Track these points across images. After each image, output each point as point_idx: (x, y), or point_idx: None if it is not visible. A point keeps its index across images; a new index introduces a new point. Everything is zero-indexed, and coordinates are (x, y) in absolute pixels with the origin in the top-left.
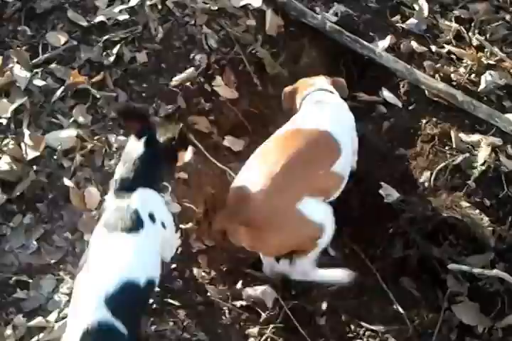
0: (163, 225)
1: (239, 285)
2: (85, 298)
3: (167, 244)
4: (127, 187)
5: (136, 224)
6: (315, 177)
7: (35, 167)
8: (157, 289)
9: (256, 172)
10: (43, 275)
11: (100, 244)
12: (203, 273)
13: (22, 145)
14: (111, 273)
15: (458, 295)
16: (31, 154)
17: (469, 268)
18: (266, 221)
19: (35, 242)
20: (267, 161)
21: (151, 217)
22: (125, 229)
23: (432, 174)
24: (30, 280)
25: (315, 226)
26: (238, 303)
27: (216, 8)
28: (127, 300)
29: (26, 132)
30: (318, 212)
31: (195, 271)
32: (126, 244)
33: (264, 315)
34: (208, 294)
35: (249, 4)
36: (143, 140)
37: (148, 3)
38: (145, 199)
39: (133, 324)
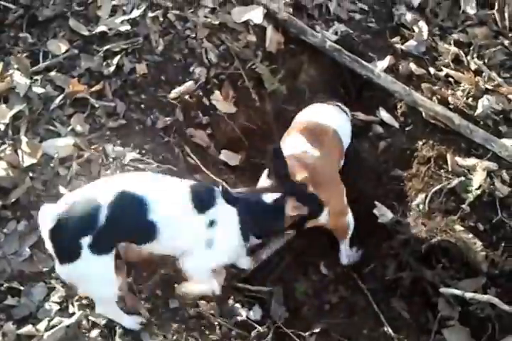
0: (209, 242)
1: (231, 300)
2: None
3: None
4: (232, 199)
5: (201, 207)
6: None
7: (31, 174)
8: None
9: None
10: (35, 283)
11: None
12: None
13: (19, 151)
14: None
15: (449, 319)
16: (28, 161)
17: (461, 292)
18: (325, 178)
19: (28, 249)
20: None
21: (212, 222)
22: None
23: (426, 196)
24: (22, 288)
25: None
26: (229, 319)
27: (217, 22)
28: None
29: (24, 139)
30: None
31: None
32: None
33: (254, 332)
34: (200, 309)
35: (251, 20)
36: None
37: (150, 15)
38: (226, 212)
39: None
